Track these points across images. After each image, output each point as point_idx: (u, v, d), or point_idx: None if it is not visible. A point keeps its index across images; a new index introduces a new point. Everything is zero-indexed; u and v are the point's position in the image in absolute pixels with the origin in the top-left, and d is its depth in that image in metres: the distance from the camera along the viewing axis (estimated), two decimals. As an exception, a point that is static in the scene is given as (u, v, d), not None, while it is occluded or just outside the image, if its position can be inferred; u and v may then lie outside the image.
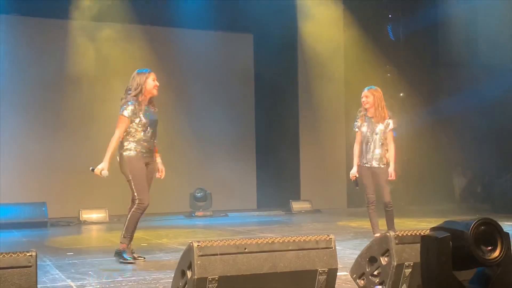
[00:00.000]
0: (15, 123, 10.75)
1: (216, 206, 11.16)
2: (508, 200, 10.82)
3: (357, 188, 6.73)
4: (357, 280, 3.80)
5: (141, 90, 5.50)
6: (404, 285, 3.54)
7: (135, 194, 5.43)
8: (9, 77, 10.68)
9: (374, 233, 6.49)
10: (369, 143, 6.53)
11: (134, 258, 5.51)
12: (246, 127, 12.80)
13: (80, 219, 9.88)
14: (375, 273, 3.69)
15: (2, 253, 3.01)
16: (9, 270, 2.99)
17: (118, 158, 5.54)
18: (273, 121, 12.67)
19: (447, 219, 3.06)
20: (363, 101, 6.53)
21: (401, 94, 12.84)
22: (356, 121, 6.63)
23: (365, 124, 6.55)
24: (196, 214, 10.79)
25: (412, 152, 12.86)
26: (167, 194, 11.31)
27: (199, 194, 10.98)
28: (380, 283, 3.61)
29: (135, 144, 5.47)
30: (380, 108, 6.51)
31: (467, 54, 13.83)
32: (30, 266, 3.05)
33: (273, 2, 11.51)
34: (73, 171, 10.92)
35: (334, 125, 12.43)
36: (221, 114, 12.24)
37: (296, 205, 11.49)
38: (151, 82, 5.54)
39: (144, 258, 5.60)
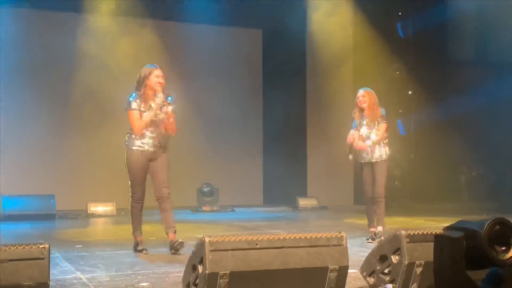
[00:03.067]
0: (24, 116, 10.78)
1: (222, 201, 11.17)
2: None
3: (350, 156, 6.78)
4: (367, 278, 3.81)
5: (143, 85, 5.55)
6: (415, 284, 3.54)
7: (130, 186, 5.64)
8: (17, 70, 10.68)
9: (369, 228, 6.72)
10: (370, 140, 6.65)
11: (137, 251, 5.65)
12: (253, 123, 12.80)
13: (88, 212, 9.92)
14: (386, 271, 3.69)
15: (15, 245, 3.03)
16: (22, 261, 3.02)
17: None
18: (281, 117, 12.65)
19: (456, 218, 3.05)
20: (360, 101, 6.70)
21: (409, 92, 12.81)
22: (355, 121, 6.79)
23: (364, 123, 6.69)
24: (203, 209, 10.81)
25: (419, 150, 12.84)
26: (174, 188, 11.20)
27: (206, 189, 11.00)
28: (391, 281, 3.61)
29: (136, 139, 5.56)
30: (374, 107, 6.67)
31: (476, 52, 13.78)
32: (43, 258, 3.07)
33: (283, -2, 11.50)
34: (82, 164, 10.98)
35: (342, 122, 12.29)
36: (229, 109, 12.23)
37: (302, 202, 11.48)
38: (153, 79, 5.54)
39: (146, 251, 5.67)
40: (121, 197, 10.26)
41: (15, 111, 10.73)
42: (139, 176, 5.62)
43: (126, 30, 10.93)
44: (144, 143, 5.58)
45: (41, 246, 3.09)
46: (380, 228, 6.55)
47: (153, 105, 5.52)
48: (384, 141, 6.69)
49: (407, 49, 12.82)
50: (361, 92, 6.76)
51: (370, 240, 6.45)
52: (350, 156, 6.79)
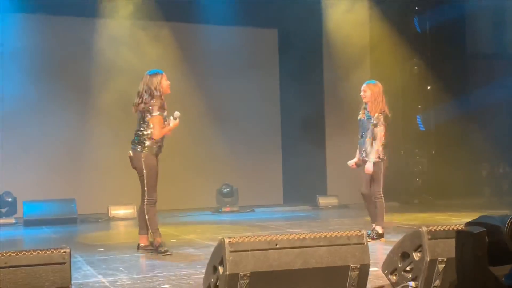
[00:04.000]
0: (44, 121, 10.88)
1: (242, 201, 11.17)
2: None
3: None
4: (389, 276, 3.77)
5: (160, 92, 5.74)
6: (438, 280, 3.50)
7: (145, 189, 5.72)
8: (38, 76, 10.79)
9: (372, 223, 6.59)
10: (363, 137, 6.56)
11: (159, 252, 5.70)
12: (271, 122, 12.79)
13: (109, 215, 9.98)
14: (408, 268, 3.65)
15: (36, 250, 3.05)
16: (44, 266, 3.02)
17: (131, 153, 5.72)
18: (299, 116, 12.62)
19: (478, 214, 3.02)
20: (361, 95, 6.58)
21: (428, 87, 12.70)
22: (359, 114, 6.66)
23: (364, 118, 6.57)
24: (223, 209, 10.82)
25: (440, 146, 12.72)
26: (194, 190, 11.39)
27: (225, 189, 11.01)
28: (413, 279, 3.58)
29: (154, 143, 5.72)
30: (375, 103, 6.47)
31: (494, 46, 13.63)
32: (64, 263, 3.08)
33: (298, -3, 11.47)
34: (102, 168, 11.05)
35: (361, 119, 12.31)
36: (247, 109, 12.25)
37: (323, 200, 11.45)
38: (165, 82, 5.82)
39: (168, 251, 5.73)
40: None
41: (36, 117, 10.84)
42: (157, 180, 5.80)
43: (144, 34, 11.01)
44: (159, 148, 5.79)
45: (62, 251, 3.10)
46: (378, 229, 6.42)
47: (172, 118, 5.78)
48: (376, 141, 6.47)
49: (425, 44, 12.69)
50: (363, 85, 6.61)
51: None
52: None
